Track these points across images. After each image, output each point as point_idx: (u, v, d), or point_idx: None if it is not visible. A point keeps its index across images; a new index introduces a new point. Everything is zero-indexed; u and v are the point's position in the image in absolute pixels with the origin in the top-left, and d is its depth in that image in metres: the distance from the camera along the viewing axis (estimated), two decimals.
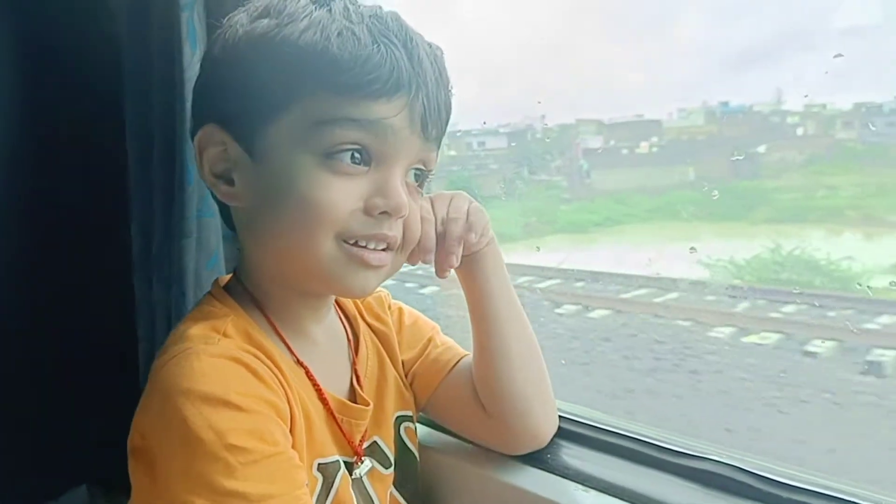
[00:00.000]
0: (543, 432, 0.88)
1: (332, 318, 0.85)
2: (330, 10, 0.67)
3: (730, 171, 1.59)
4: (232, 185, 0.71)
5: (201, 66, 0.78)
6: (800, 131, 1.66)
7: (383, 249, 0.71)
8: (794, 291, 1.59)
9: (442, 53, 0.73)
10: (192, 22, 0.94)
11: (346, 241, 0.68)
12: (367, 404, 0.81)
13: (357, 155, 0.67)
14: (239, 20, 0.70)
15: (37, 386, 1.08)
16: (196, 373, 0.62)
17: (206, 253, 0.99)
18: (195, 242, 0.97)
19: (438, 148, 0.74)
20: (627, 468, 0.85)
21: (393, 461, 0.84)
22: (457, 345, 0.95)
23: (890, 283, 1.19)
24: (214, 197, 0.75)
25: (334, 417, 0.76)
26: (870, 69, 1.15)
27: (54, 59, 1.05)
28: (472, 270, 0.84)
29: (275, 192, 0.67)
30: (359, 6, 0.68)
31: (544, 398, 0.87)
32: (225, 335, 0.68)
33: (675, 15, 1.39)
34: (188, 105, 0.92)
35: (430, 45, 0.71)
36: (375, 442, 0.83)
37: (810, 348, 1.45)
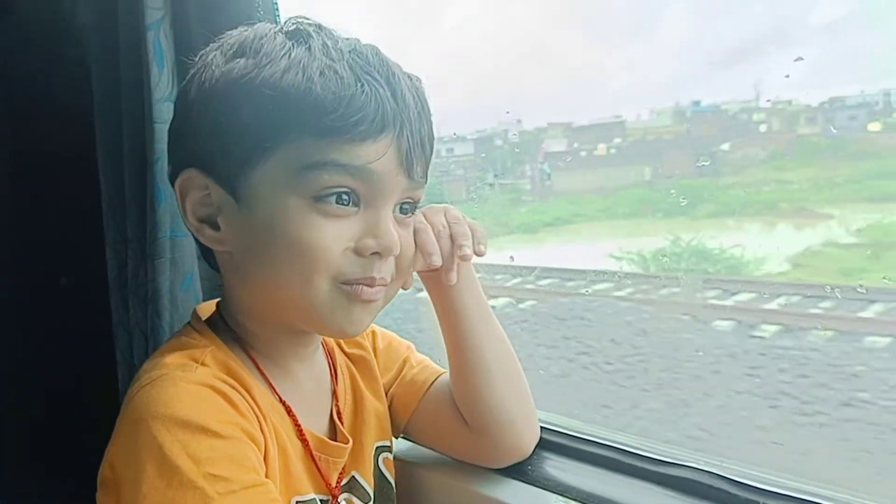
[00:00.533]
0: (526, 443, 0.88)
1: (318, 355, 0.84)
2: (309, 49, 0.64)
3: (689, 170, 1.63)
4: (217, 229, 0.69)
5: (176, 108, 0.74)
6: (763, 128, 1.68)
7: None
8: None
9: (421, 84, 0.71)
10: (158, 41, 0.92)
11: (342, 283, 0.67)
12: (347, 441, 0.80)
13: (345, 197, 0.65)
14: (213, 60, 0.67)
15: (20, 411, 1.06)
16: (171, 398, 0.60)
17: (181, 274, 0.97)
18: (169, 263, 0.96)
19: (426, 183, 0.72)
20: (608, 478, 0.86)
21: (372, 495, 0.84)
22: (432, 363, 0.94)
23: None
24: (197, 241, 0.72)
25: (312, 456, 0.75)
26: (843, 65, 1.17)
27: (25, 81, 1.03)
28: (446, 284, 0.83)
29: (264, 235, 0.66)
30: (337, 41, 0.66)
31: (526, 408, 0.87)
32: (203, 364, 0.67)
33: (655, 16, 1.40)
34: (157, 125, 0.91)
35: (409, 77, 0.69)
36: (354, 477, 0.82)
37: (521, 305, 2.17)
